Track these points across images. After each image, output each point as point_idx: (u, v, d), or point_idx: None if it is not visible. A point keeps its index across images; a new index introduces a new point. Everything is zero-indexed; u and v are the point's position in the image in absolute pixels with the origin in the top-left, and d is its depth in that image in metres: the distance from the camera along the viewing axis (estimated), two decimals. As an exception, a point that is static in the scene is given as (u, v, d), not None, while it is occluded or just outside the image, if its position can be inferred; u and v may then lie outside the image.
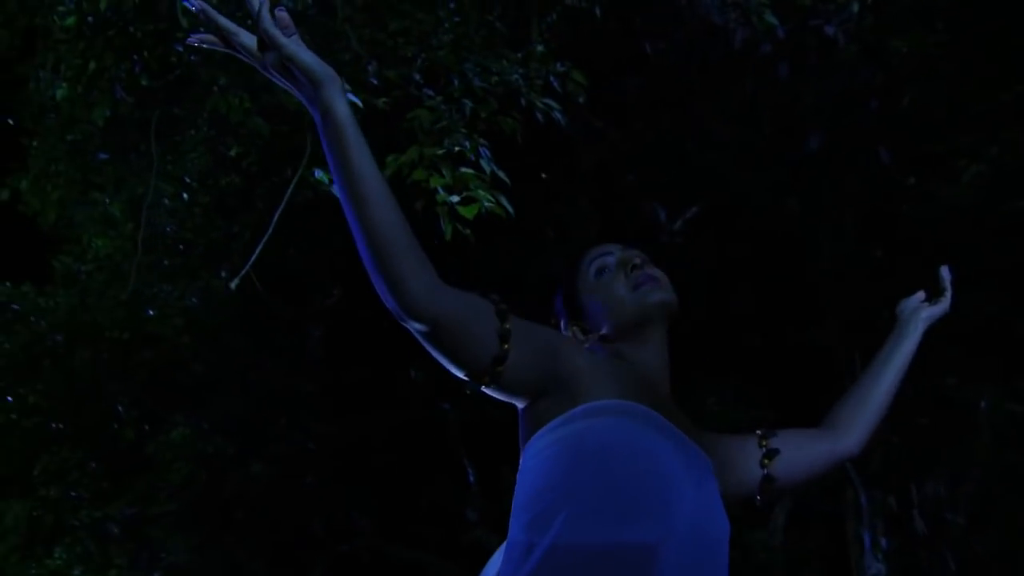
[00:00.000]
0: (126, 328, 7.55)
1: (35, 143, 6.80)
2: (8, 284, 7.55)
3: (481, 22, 4.66)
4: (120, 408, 7.40)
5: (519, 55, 4.64)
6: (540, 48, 4.53)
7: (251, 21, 1.31)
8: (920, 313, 1.91)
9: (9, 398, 7.12)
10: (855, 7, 4.74)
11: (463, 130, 4.34)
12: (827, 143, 5.29)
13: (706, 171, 6.79)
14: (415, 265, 1.32)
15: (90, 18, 4.44)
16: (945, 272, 1.95)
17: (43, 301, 7.46)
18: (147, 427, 7.99)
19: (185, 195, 8.33)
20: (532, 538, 1.36)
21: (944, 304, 1.94)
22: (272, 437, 8.98)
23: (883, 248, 6.26)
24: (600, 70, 6.12)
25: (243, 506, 9.17)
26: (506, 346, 1.39)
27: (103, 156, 5.44)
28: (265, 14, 1.28)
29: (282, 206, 4.37)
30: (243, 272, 4.12)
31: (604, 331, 1.64)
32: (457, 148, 4.32)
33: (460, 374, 1.42)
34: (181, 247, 8.47)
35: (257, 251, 4.25)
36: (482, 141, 4.47)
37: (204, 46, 1.33)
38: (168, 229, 8.55)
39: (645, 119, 6.26)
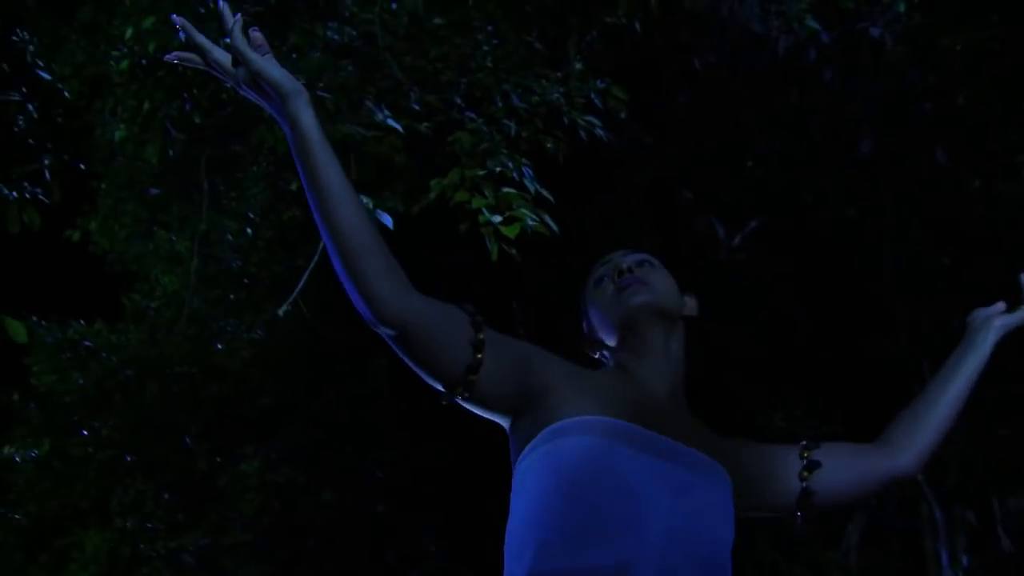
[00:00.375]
0: (194, 362, 7.73)
1: (103, 185, 7.05)
2: (82, 322, 7.82)
3: (519, 43, 4.68)
4: (188, 440, 7.57)
5: (559, 74, 4.65)
6: (579, 66, 4.53)
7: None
8: (993, 322, 1.75)
9: (84, 431, 7.35)
10: (901, 7, 4.64)
11: (504, 151, 4.35)
12: (882, 147, 5.16)
13: (761, 183, 6.69)
14: (383, 270, 1.33)
15: (143, 60, 4.60)
16: None
17: (115, 338, 7.70)
18: (218, 459, 8.14)
19: (249, 230, 8.53)
20: (513, 568, 1.35)
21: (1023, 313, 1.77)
22: (340, 466, 9.07)
23: (949, 252, 6.07)
24: (649, 86, 6.10)
25: (315, 535, 9.27)
26: (479, 355, 1.38)
27: (154, 191, 5.59)
28: (237, 32, 1.34)
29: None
30: (291, 298, 4.19)
31: (608, 342, 1.64)
32: (499, 169, 4.34)
33: (435, 384, 1.41)
34: (246, 281, 8.67)
35: (304, 279, 4.31)
36: (524, 161, 4.48)
37: (184, 63, 1.39)
38: (233, 264, 8.76)
39: (696, 133, 6.21)
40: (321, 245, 4.78)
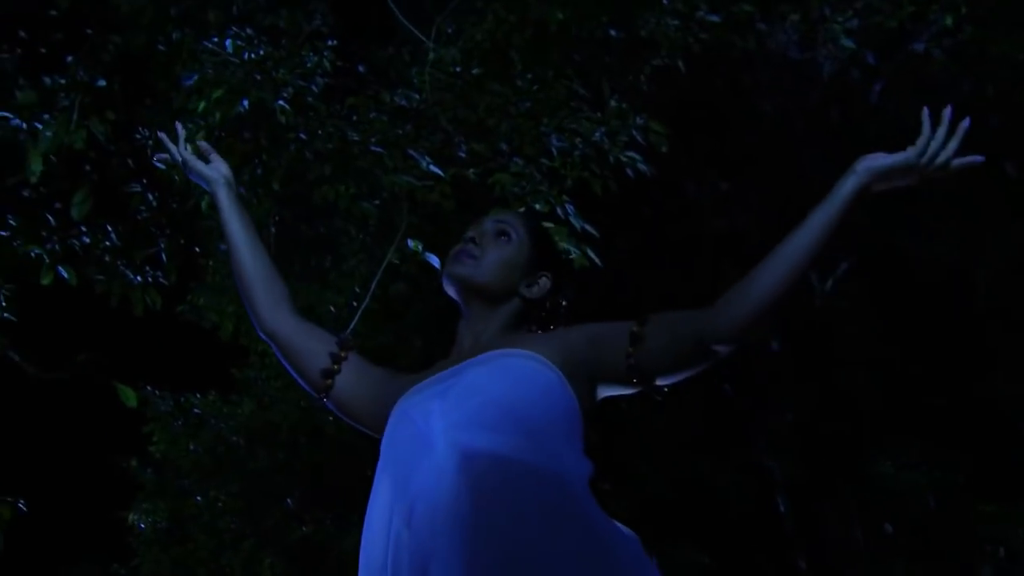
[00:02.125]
0: (301, 431, 8.04)
1: (211, 262, 7.56)
2: (198, 395, 8.31)
3: (561, 86, 4.85)
4: (291, 503, 7.83)
5: (597, 114, 4.78)
6: (613, 103, 4.65)
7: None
8: (856, 165, 1.45)
9: (198, 497, 7.74)
10: (948, 20, 4.52)
11: (541, 188, 4.49)
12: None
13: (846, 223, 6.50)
14: (265, 298, 1.87)
15: (217, 132, 5.00)
16: (927, 113, 1.43)
17: (227, 409, 8.12)
18: (328, 522, 8.35)
19: (354, 303, 8.89)
20: None
21: (906, 154, 1.43)
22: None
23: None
24: (712, 130, 6.13)
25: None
26: (336, 366, 1.78)
27: (224, 248, 5.94)
28: (180, 142, 2.07)
29: (378, 276, 4.66)
30: (343, 337, 4.40)
31: (456, 299, 1.83)
32: (538, 206, 4.47)
33: (306, 386, 1.83)
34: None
35: (354, 323, 4.53)
36: (565, 198, 4.60)
37: (163, 162, 2.15)
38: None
39: (766, 175, 6.16)
40: (371, 286, 5.03)
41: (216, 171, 2.03)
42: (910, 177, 1.46)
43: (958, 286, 6.51)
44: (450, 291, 1.78)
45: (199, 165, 2.03)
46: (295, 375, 1.85)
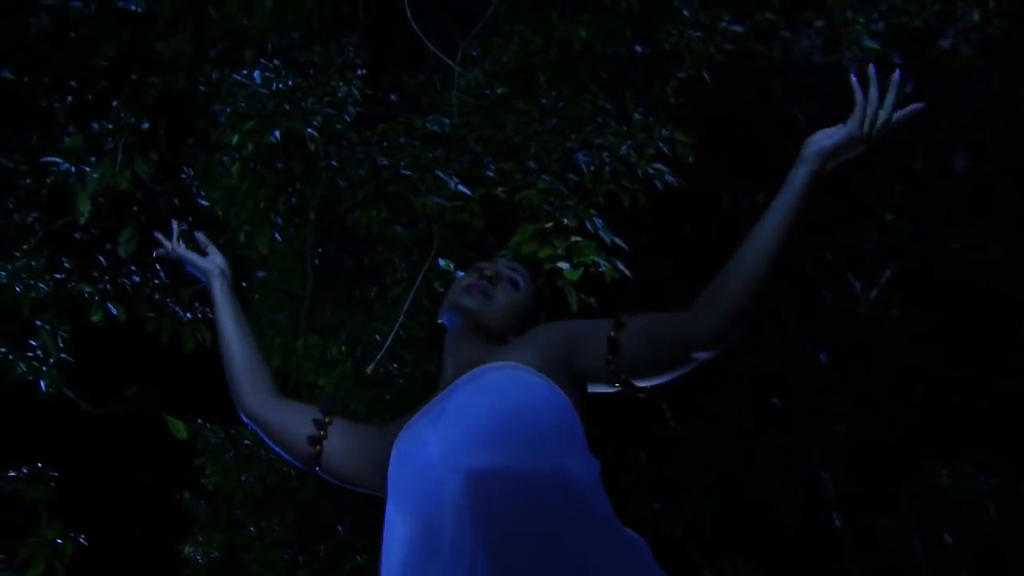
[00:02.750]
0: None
1: (257, 296, 7.70)
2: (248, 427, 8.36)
3: (586, 102, 4.88)
4: (342, 531, 7.87)
5: (624, 128, 4.80)
6: (638, 116, 4.67)
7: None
8: (804, 150, 1.44)
9: (251, 528, 7.82)
10: (975, 15, 4.46)
11: (569, 203, 4.51)
12: (988, 164, 4.89)
13: (887, 229, 6.44)
14: (247, 382, 1.92)
15: (250, 164, 5.11)
16: (856, 79, 1.42)
17: (278, 439, 8.17)
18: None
19: (401, 332, 8.96)
20: None
21: (847, 127, 1.41)
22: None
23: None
24: (745, 140, 6.11)
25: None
26: (322, 432, 1.80)
27: (260, 274, 6.07)
28: (174, 240, 2.15)
29: (411, 296, 4.70)
30: (377, 357, 4.44)
31: (446, 323, 1.86)
32: (565, 220, 4.49)
33: (296, 462, 1.86)
34: (400, 381, 9.07)
35: (386, 346, 4.57)
36: (593, 212, 4.62)
37: (162, 255, 2.18)
38: (389, 367, 9.19)
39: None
40: (404, 304, 5.07)
41: (212, 263, 2.09)
42: (858, 147, 1.45)
43: (1006, 289, 6.36)
44: (451, 318, 1.79)
45: (195, 258, 2.11)
46: (283, 453, 1.89)
